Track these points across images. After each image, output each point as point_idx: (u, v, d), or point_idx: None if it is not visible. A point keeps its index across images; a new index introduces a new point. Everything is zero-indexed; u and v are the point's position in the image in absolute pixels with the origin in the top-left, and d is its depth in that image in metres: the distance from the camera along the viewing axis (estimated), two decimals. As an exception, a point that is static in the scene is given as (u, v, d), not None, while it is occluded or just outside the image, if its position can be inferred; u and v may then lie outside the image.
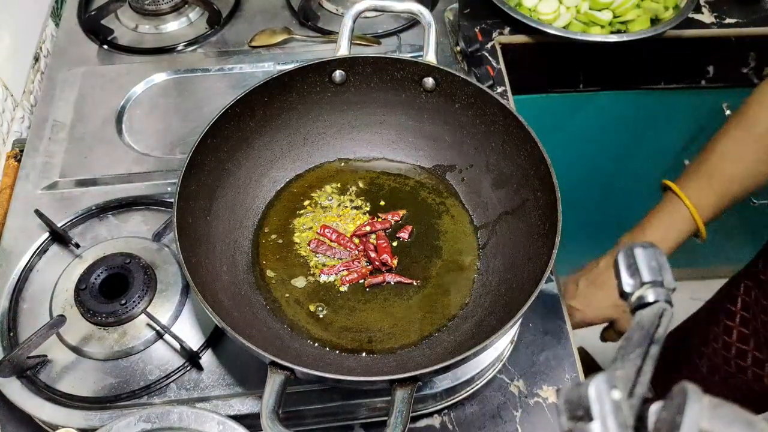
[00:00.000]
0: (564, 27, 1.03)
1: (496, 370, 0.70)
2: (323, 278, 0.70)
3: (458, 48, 0.98)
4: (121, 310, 0.67)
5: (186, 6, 1.03)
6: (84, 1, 1.05)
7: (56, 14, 1.05)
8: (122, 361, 0.66)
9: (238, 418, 0.59)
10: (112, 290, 0.69)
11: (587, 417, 0.28)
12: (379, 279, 0.69)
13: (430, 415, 0.68)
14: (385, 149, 0.79)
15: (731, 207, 0.79)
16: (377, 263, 0.70)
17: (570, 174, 1.34)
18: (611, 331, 0.88)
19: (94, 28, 1.00)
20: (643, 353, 0.33)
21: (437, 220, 0.74)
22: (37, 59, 0.98)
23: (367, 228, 0.73)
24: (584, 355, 1.53)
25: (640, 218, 1.65)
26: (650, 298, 0.36)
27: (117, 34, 1.01)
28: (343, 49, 0.74)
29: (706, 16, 1.08)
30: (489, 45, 1.03)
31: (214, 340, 0.67)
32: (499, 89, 0.95)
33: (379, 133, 0.79)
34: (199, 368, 0.65)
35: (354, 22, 0.74)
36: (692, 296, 1.92)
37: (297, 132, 0.77)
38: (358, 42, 0.96)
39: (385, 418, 0.50)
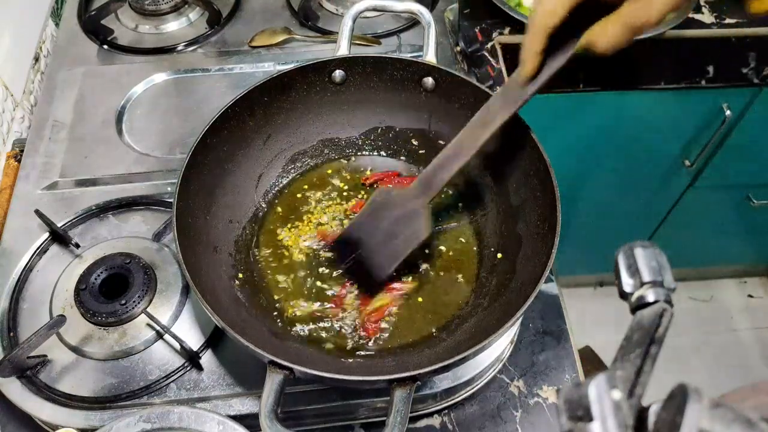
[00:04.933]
0: (564, 27, 1.03)
1: (496, 370, 0.70)
2: (323, 279, 0.70)
3: (458, 48, 0.98)
4: (121, 310, 0.67)
5: (186, 6, 1.03)
6: (84, 1, 1.05)
7: (56, 14, 1.05)
8: (122, 361, 0.66)
9: (238, 418, 0.59)
10: (112, 290, 0.69)
11: (587, 417, 0.28)
12: (380, 315, 0.68)
13: (430, 415, 0.68)
14: (385, 149, 0.79)
15: None
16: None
17: (570, 174, 1.34)
18: None
19: (94, 28, 1.00)
20: (643, 353, 0.33)
21: (437, 220, 0.74)
22: (37, 59, 0.98)
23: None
24: (590, 353, 1.53)
25: (640, 219, 1.65)
26: (650, 298, 0.36)
27: (117, 34, 1.01)
28: (342, 48, 0.74)
29: (706, 16, 1.08)
30: (489, 45, 1.03)
31: (214, 340, 0.67)
32: (499, 89, 0.95)
33: (380, 133, 0.79)
34: (199, 368, 0.65)
35: (354, 21, 0.74)
36: (691, 296, 1.93)
37: (297, 132, 0.77)
38: (358, 42, 0.96)
39: (385, 418, 0.50)
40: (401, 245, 0.67)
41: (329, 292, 0.69)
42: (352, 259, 0.68)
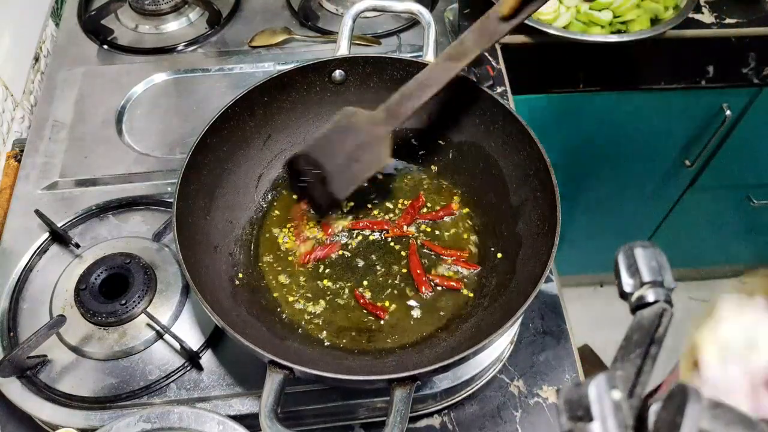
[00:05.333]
0: (564, 27, 1.03)
1: (496, 370, 0.70)
2: (323, 279, 0.70)
3: (458, 48, 0.97)
4: (121, 310, 0.67)
5: (186, 6, 1.03)
6: (84, 1, 1.05)
7: (56, 14, 1.05)
8: (122, 361, 0.66)
9: (238, 418, 0.59)
10: (112, 290, 0.69)
11: (587, 417, 0.28)
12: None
13: (431, 415, 0.68)
14: (385, 149, 0.79)
15: None
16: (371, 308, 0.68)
17: (570, 174, 1.34)
18: None
19: (94, 28, 1.00)
20: (643, 353, 0.33)
21: (437, 219, 0.74)
22: (37, 59, 0.98)
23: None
24: (589, 353, 1.53)
25: (640, 219, 1.65)
26: (650, 298, 0.36)
27: (117, 34, 1.01)
28: (342, 48, 0.74)
29: (706, 16, 1.08)
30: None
31: (214, 340, 0.67)
32: (499, 89, 0.95)
33: (379, 133, 0.79)
34: (199, 368, 0.65)
35: (354, 21, 0.74)
36: (692, 296, 1.93)
37: (297, 131, 0.77)
38: (358, 42, 0.96)
39: (385, 418, 0.50)
40: (361, 169, 0.67)
41: (330, 292, 0.69)
42: (309, 178, 0.68)
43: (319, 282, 0.69)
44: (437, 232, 0.73)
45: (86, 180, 0.81)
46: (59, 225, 0.74)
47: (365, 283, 0.69)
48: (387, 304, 0.68)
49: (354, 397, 0.64)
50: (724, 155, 1.32)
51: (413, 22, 1.00)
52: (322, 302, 0.68)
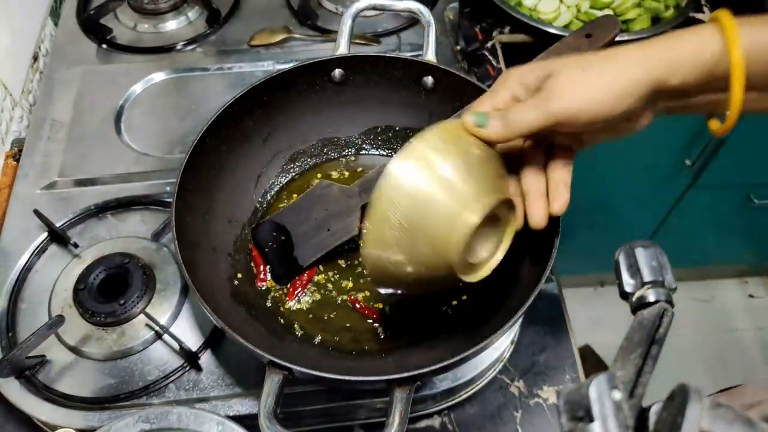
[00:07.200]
0: (564, 26, 1.03)
1: (497, 370, 0.69)
2: (323, 278, 0.70)
3: (458, 47, 0.97)
4: (119, 310, 0.66)
5: (185, 5, 1.03)
6: (83, 0, 1.04)
7: (55, 13, 1.05)
8: (121, 362, 0.66)
9: (237, 419, 0.58)
10: (110, 290, 0.68)
11: (588, 418, 0.28)
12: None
13: (431, 415, 0.68)
14: (384, 148, 0.79)
15: None
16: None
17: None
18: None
19: (93, 28, 1.00)
20: (643, 353, 0.32)
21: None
22: (35, 58, 0.98)
23: None
24: (590, 353, 1.53)
25: (640, 219, 1.64)
26: (651, 298, 0.35)
27: (116, 34, 1.01)
28: (342, 48, 0.73)
29: (707, 15, 1.07)
30: (489, 44, 1.02)
31: (213, 340, 0.67)
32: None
33: (379, 132, 0.79)
34: (198, 369, 0.65)
35: (353, 20, 0.74)
36: (692, 296, 1.92)
37: (296, 131, 0.76)
38: (357, 41, 0.96)
39: (385, 418, 0.50)
40: (330, 237, 0.69)
41: (328, 292, 0.69)
42: (273, 244, 0.70)
43: (316, 282, 0.69)
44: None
45: (85, 180, 0.81)
46: (58, 225, 0.74)
47: (353, 285, 0.69)
48: (380, 306, 0.67)
49: (354, 397, 0.64)
50: (725, 154, 1.31)
51: (413, 21, 1.00)
52: (321, 303, 0.68)
